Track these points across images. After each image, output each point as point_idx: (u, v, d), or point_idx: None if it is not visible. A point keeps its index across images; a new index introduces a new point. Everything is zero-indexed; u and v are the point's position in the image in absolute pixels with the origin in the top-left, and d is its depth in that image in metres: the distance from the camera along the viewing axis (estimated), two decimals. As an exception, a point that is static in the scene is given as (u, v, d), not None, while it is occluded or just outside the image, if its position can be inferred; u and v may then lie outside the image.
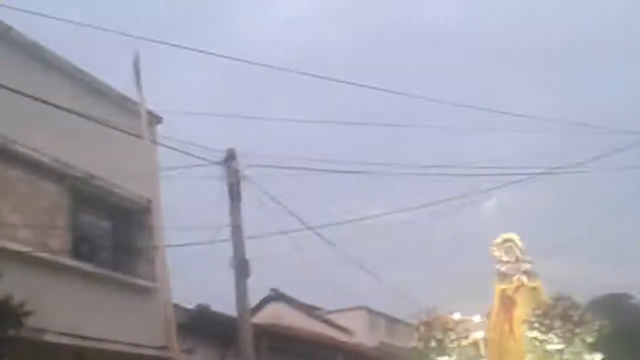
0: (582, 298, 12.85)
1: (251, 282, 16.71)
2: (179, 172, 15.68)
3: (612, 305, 48.45)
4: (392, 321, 29.05)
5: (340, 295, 23.37)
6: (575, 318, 11.71)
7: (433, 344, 12.24)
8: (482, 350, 12.50)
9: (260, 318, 23.84)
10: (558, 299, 12.25)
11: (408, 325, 12.66)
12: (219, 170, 16.53)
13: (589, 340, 12.44)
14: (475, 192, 19.18)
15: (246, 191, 16.64)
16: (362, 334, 28.47)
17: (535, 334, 11.82)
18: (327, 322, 28.54)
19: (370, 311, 29.75)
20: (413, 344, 12.59)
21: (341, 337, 27.30)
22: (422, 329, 12.50)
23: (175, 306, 17.05)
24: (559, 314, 11.71)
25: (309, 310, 29.18)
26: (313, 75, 17.00)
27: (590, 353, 12.92)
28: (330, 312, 29.51)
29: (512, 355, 12.52)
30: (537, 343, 11.89)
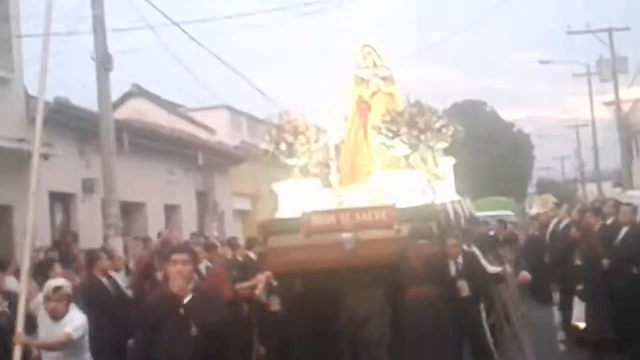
0: (437, 104, 12.99)
1: (113, 76, 16.42)
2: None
3: (468, 112, 50.32)
4: (254, 121, 29.20)
5: (203, 94, 23.28)
6: (422, 125, 11.87)
7: (283, 146, 12.25)
8: (332, 154, 12.62)
9: (121, 113, 23.54)
10: (408, 106, 12.40)
11: (269, 125, 12.76)
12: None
13: (440, 146, 12.78)
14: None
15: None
16: (223, 133, 28.61)
17: (382, 139, 11.98)
18: (189, 119, 28.49)
19: (232, 110, 29.77)
20: (264, 146, 12.58)
21: (203, 135, 27.40)
22: (273, 131, 12.47)
23: (33, 98, 16.63)
24: (405, 121, 11.85)
25: (171, 107, 28.97)
26: None
27: (442, 157, 13.31)
28: (192, 110, 29.41)
29: (364, 159, 12.75)
30: (385, 148, 12.11)
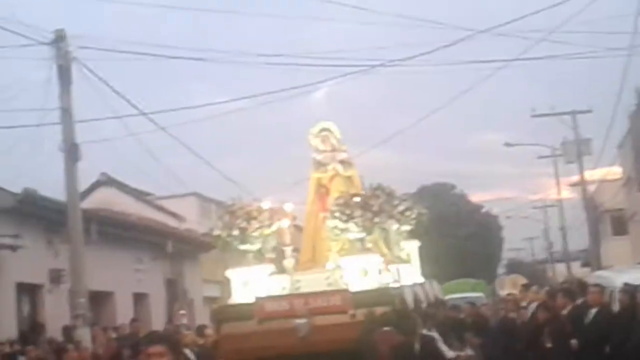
0: (403, 187, 13.11)
1: (81, 166, 16.50)
2: (6, 52, 15.10)
3: (436, 194, 50.76)
4: (224, 207, 29.25)
5: (172, 181, 23.33)
6: (376, 207, 11.91)
7: (236, 232, 12.24)
8: (287, 239, 12.58)
9: (90, 203, 23.53)
10: (364, 189, 12.47)
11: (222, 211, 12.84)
12: (48, 52, 16.02)
13: (403, 228, 12.84)
14: (311, 83, 19.45)
15: (77, 74, 16.24)
16: (193, 220, 28.62)
17: (335, 222, 11.99)
18: (158, 207, 28.50)
19: (201, 197, 29.85)
20: (217, 232, 12.55)
21: (172, 223, 27.39)
22: (226, 217, 12.46)
23: (1, 190, 16.64)
24: (359, 204, 11.89)
25: (140, 195, 28.99)
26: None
27: (405, 240, 13.35)
28: (161, 198, 29.43)
29: (323, 244, 12.76)
30: (338, 232, 12.10)
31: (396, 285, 11.93)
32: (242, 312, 11.55)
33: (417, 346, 11.27)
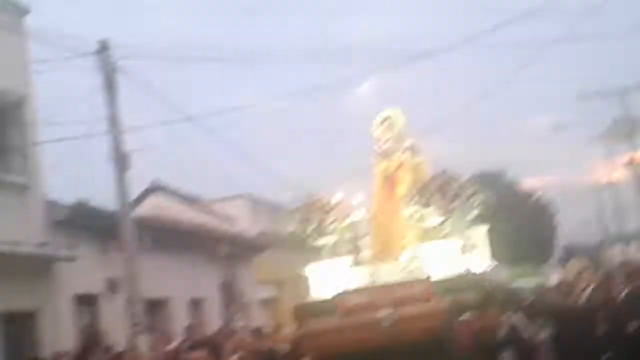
0: (460, 173, 12.87)
1: (131, 174, 16.56)
2: (52, 65, 15.19)
3: (489, 182, 50.30)
4: (275, 208, 29.23)
5: (222, 184, 23.37)
6: (452, 192, 11.75)
7: (311, 227, 12.16)
8: (362, 230, 12.50)
9: (142, 211, 23.63)
10: (436, 174, 12.27)
11: (292, 209, 12.74)
12: (93, 62, 16.09)
13: (471, 213, 12.62)
14: (353, 76, 19.32)
15: (123, 83, 16.30)
16: (244, 222, 28.64)
17: (413, 210, 11.86)
18: (209, 211, 28.56)
19: (252, 199, 29.85)
20: (291, 228, 12.48)
21: (224, 225, 27.42)
22: (299, 213, 12.39)
23: (54, 203, 16.77)
24: (436, 189, 11.74)
25: (191, 200, 29.08)
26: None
27: (475, 225, 13.14)
28: (212, 202, 29.49)
29: (395, 233, 12.63)
30: (416, 220, 11.97)
31: (476, 270, 11.80)
32: (324, 308, 11.47)
33: (500, 332, 11.09)
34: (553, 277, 30.65)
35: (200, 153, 19.41)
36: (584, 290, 17.31)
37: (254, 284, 27.09)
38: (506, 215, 50.61)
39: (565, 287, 22.02)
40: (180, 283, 21.64)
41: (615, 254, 55.84)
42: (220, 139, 19.46)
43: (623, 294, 13.67)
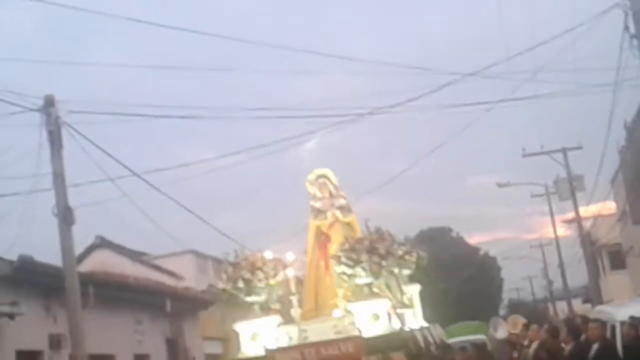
0: (400, 232, 13.12)
1: (76, 230, 16.52)
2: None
3: (434, 239, 50.71)
4: (220, 263, 29.17)
5: (168, 240, 23.31)
6: (382, 251, 11.91)
7: (241, 284, 12.22)
8: (293, 288, 12.59)
9: (86, 266, 23.48)
10: (367, 233, 12.45)
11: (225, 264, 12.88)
12: (38, 118, 16.14)
13: (404, 273, 12.83)
14: (301, 134, 19.58)
15: (68, 138, 16.35)
16: (190, 278, 28.55)
17: (342, 268, 11.99)
18: (155, 267, 28.42)
19: (197, 254, 29.79)
20: (221, 285, 12.53)
21: (170, 281, 27.29)
22: (229, 269, 12.45)
23: (-5, 258, 16.64)
24: (365, 248, 11.89)
25: (136, 256, 28.94)
26: (131, 19, 16.78)
27: (408, 284, 13.34)
28: (157, 258, 29.37)
29: (327, 291, 12.75)
30: (346, 277, 12.10)
31: (406, 329, 11.93)
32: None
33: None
34: (498, 332, 30.84)
35: (146, 209, 19.39)
36: (529, 345, 17.62)
37: (200, 340, 26.94)
38: (452, 271, 51.13)
39: (510, 343, 22.38)
40: (125, 339, 21.48)
41: (559, 309, 56.51)
42: (166, 194, 19.49)
43: (568, 349, 13.95)
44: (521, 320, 26.05)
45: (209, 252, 30.59)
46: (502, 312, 61.08)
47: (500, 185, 43.53)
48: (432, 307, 15.09)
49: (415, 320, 13.16)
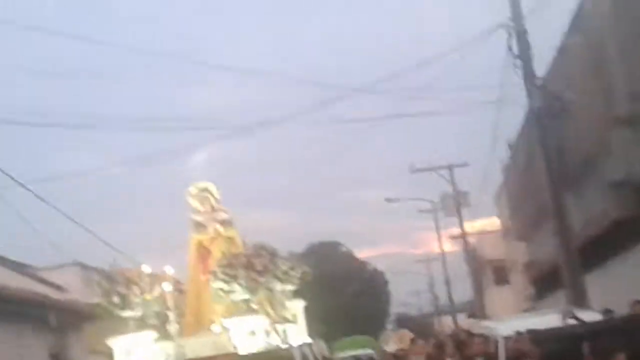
0: (286, 247, 13.16)
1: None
2: None
3: (323, 253, 50.97)
4: (102, 274, 28.65)
5: (52, 252, 22.80)
6: (259, 267, 11.94)
7: (116, 299, 12.04)
8: (170, 303, 12.45)
9: (-34, 278, 22.75)
10: (245, 249, 12.44)
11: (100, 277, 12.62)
12: None
13: (287, 288, 12.87)
14: (186, 146, 19.47)
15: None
16: (76, 290, 27.92)
17: (220, 284, 11.96)
18: (38, 279, 27.72)
19: (83, 266, 29.19)
20: (96, 299, 12.32)
21: (54, 294, 26.65)
22: (104, 283, 12.26)
23: None
24: (242, 264, 11.89)
25: (19, 267, 28.19)
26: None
27: (290, 300, 13.36)
28: (41, 270, 28.66)
29: (206, 307, 12.70)
30: (222, 294, 12.07)
31: (284, 346, 11.92)
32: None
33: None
34: (389, 345, 31.22)
35: (29, 220, 18.94)
36: (415, 360, 17.90)
37: (85, 354, 26.39)
38: (341, 286, 51.46)
39: (397, 358, 22.67)
40: (5, 353, 20.86)
41: (445, 324, 57.49)
42: (51, 205, 19.09)
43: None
44: (408, 334, 26.49)
45: (95, 264, 30.06)
46: (389, 326, 61.89)
47: (388, 200, 44.15)
48: (320, 322, 15.14)
49: (298, 336, 13.16)
